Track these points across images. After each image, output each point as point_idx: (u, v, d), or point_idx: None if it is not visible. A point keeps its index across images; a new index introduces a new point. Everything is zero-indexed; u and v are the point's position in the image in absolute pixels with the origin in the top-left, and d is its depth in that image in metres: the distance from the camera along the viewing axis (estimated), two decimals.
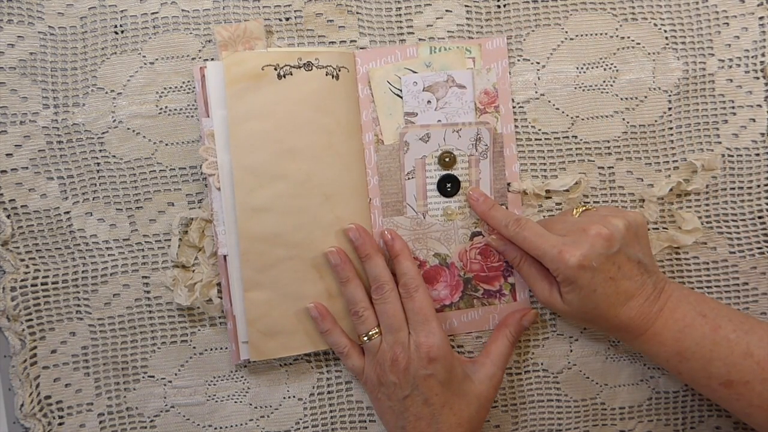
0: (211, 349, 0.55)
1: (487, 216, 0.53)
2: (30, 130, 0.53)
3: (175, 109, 0.53)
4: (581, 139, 0.55)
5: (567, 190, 0.55)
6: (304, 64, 0.51)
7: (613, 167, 0.55)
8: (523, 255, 0.52)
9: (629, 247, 0.48)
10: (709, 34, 0.55)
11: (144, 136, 0.53)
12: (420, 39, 0.54)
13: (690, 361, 0.47)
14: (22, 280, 0.53)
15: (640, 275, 0.48)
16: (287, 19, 0.54)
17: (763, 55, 0.55)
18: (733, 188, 0.55)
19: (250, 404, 0.55)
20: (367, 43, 0.54)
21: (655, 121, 0.55)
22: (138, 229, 0.54)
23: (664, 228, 0.56)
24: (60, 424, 0.54)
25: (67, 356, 0.54)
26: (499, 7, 0.54)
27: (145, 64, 0.53)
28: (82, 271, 0.53)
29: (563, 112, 0.55)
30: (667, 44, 0.55)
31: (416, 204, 0.54)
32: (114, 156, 0.53)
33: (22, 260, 0.53)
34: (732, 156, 0.55)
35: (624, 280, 0.48)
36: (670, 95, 0.55)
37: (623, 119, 0.55)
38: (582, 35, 0.55)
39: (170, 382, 0.55)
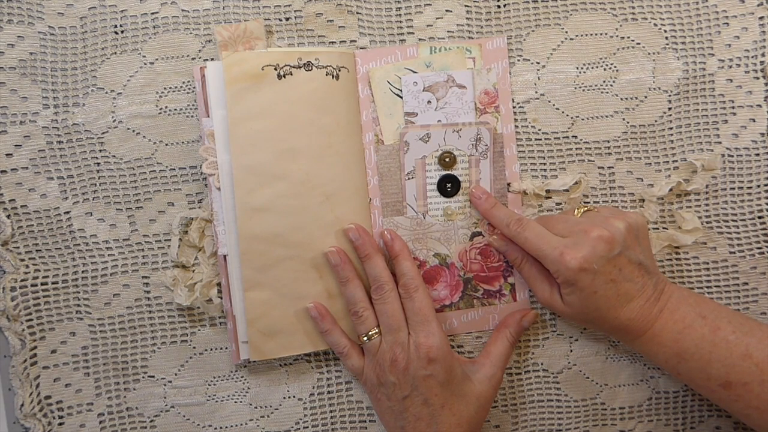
0: (211, 349, 0.55)
1: (488, 214, 0.53)
2: (30, 130, 0.53)
3: (175, 109, 0.53)
4: (581, 139, 0.55)
5: (567, 190, 0.55)
6: (304, 64, 0.51)
7: (613, 167, 0.55)
8: (524, 255, 0.52)
9: (630, 249, 0.48)
10: (709, 34, 0.55)
11: (144, 136, 0.53)
12: (420, 39, 0.54)
13: (689, 362, 0.47)
14: (22, 280, 0.53)
15: (641, 277, 0.48)
16: (287, 19, 0.54)
17: (763, 55, 0.55)
18: (733, 188, 0.55)
19: (250, 404, 0.55)
20: (367, 43, 0.54)
21: (655, 121, 0.55)
22: (138, 229, 0.54)
23: (664, 228, 0.56)
24: (60, 424, 0.54)
25: (67, 356, 0.54)
26: (499, 7, 0.54)
27: (145, 64, 0.53)
28: (82, 271, 0.53)
29: (563, 112, 0.55)
30: (667, 44, 0.55)
31: (416, 204, 0.54)
32: (114, 156, 0.53)
33: (22, 260, 0.53)
34: (732, 156, 0.55)
35: (625, 282, 0.48)
36: (670, 95, 0.55)
37: (623, 119, 0.55)
38: (582, 35, 0.55)
39: (170, 382, 0.55)
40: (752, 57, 0.55)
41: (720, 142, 0.55)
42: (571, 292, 0.48)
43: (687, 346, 0.47)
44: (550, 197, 0.55)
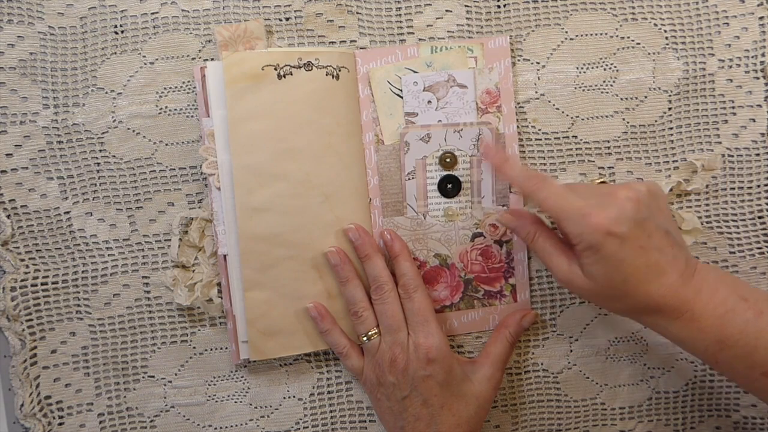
0: (211, 349, 0.55)
1: (502, 169, 0.48)
2: (30, 130, 0.53)
3: (175, 109, 0.53)
4: (581, 139, 0.55)
5: None
6: (304, 64, 0.51)
7: (613, 167, 0.55)
8: (537, 229, 0.48)
9: (655, 215, 0.44)
10: (709, 34, 0.55)
11: (144, 136, 0.53)
12: (420, 39, 0.54)
13: (732, 349, 0.43)
14: (22, 280, 0.53)
15: (670, 247, 0.44)
16: (287, 19, 0.54)
17: (763, 55, 0.55)
18: (733, 188, 0.55)
19: (250, 404, 0.55)
20: (367, 43, 0.54)
21: (655, 121, 0.55)
22: (138, 229, 0.54)
23: None
24: (60, 424, 0.54)
25: (67, 356, 0.54)
26: (499, 7, 0.54)
27: (145, 64, 0.53)
28: (82, 271, 0.53)
29: (563, 112, 0.55)
30: (667, 44, 0.55)
31: (416, 204, 0.54)
32: (114, 156, 0.53)
33: (22, 260, 0.53)
34: (732, 156, 0.55)
35: (654, 251, 0.43)
36: (670, 95, 0.55)
37: (623, 119, 0.55)
38: (582, 35, 0.55)
39: (170, 382, 0.55)
40: (752, 57, 0.55)
41: (720, 142, 0.55)
42: (595, 261, 0.43)
43: (731, 332, 0.42)
44: None
